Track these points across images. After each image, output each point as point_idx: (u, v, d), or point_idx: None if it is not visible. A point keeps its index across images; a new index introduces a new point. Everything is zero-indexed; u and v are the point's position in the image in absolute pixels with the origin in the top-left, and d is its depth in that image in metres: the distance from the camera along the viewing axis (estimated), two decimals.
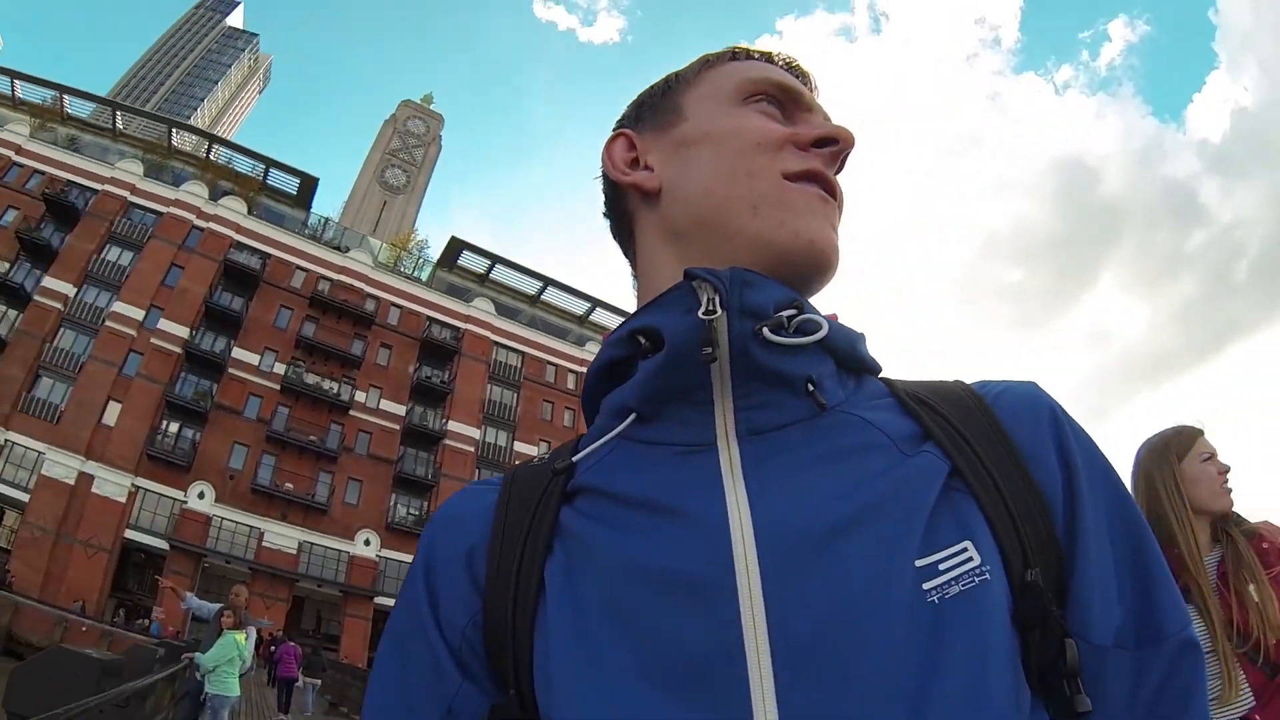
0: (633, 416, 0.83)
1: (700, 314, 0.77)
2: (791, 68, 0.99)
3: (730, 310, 0.77)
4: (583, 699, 0.70)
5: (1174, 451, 3.04)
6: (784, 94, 0.95)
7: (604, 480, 0.83)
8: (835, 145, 0.92)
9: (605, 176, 1.01)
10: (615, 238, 1.05)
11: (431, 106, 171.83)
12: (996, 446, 0.78)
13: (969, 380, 0.90)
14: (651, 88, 1.05)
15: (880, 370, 0.91)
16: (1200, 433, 3.10)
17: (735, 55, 1.00)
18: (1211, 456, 3.02)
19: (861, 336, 0.89)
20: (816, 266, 0.86)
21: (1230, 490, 2.98)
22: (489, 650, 0.81)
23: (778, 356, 0.79)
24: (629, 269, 1.03)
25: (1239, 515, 2.99)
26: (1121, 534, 0.77)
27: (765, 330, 0.77)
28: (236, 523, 44.81)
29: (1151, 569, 0.76)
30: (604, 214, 1.05)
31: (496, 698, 0.80)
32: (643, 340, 0.83)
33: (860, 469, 0.76)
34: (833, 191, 0.91)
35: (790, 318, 0.79)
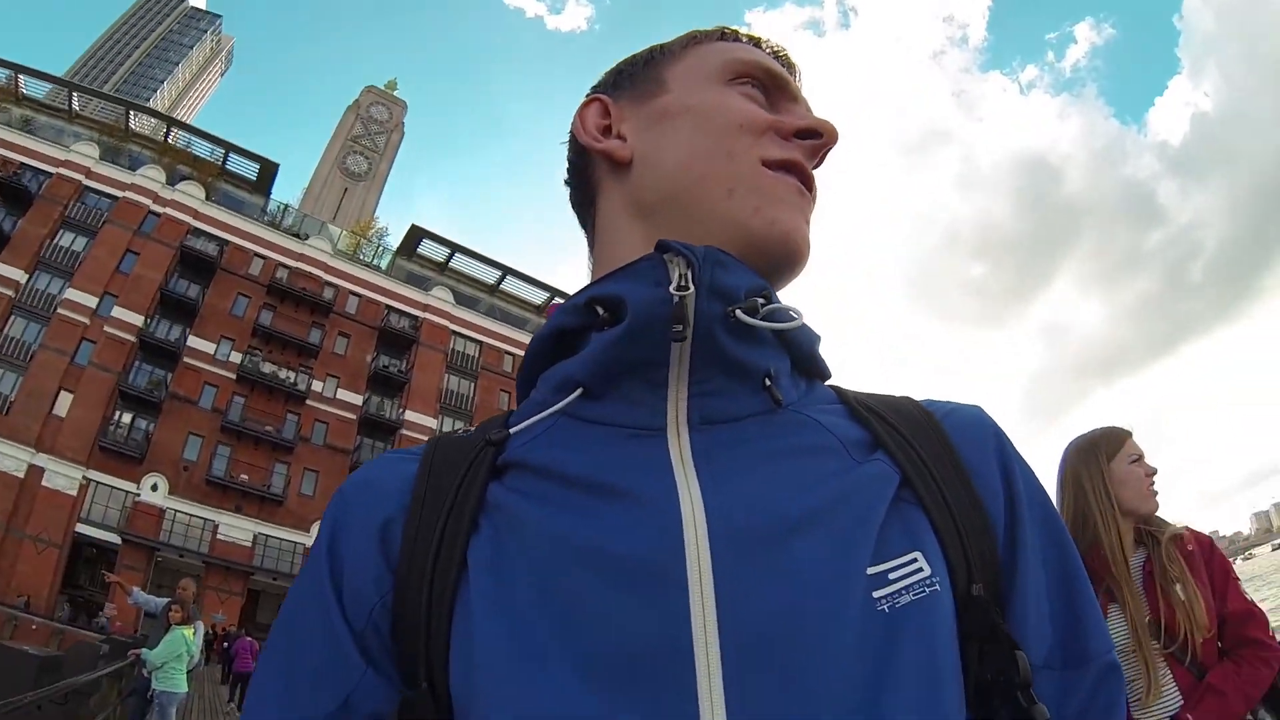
0: (579, 391, 0.80)
1: (672, 289, 0.74)
2: (779, 56, 0.98)
3: (700, 289, 0.75)
4: (511, 691, 0.65)
5: (1103, 452, 3.14)
6: (771, 80, 0.94)
7: (541, 456, 0.78)
8: (818, 139, 0.91)
9: (573, 141, 0.99)
10: (574, 206, 1.02)
11: (395, 93, 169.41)
12: (945, 462, 0.79)
13: (917, 397, 0.90)
14: (634, 56, 1.02)
15: (830, 376, 0.91)
16: (1129, 434, 3.20)
17: (724, 35, 0.99)
18: (1139, 459, 3.12)
19: (819, 339, 0.88)
20: (788, 258, 0.85)
21: (1156, 493, 3.09)
22: (398, 636, 0.74)
23: (741, 345, 0.77)
24: (585, 239, 1.01)
25: (1162, 519, 3.08)
26: (1054, 558, 0.79)
27: (738, 311, 0.75)
28: (190, 515, 44.04)
29: (1080, 593, 0.78)
30: (565, 180, 1.03)
31: (403, 690, 0.73)
32: (601, 310, 0.79)
33: (814, 470, 0.75)
34: (810, 185, 0.90)
35: (760, 305, 0.78)
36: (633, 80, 0.97)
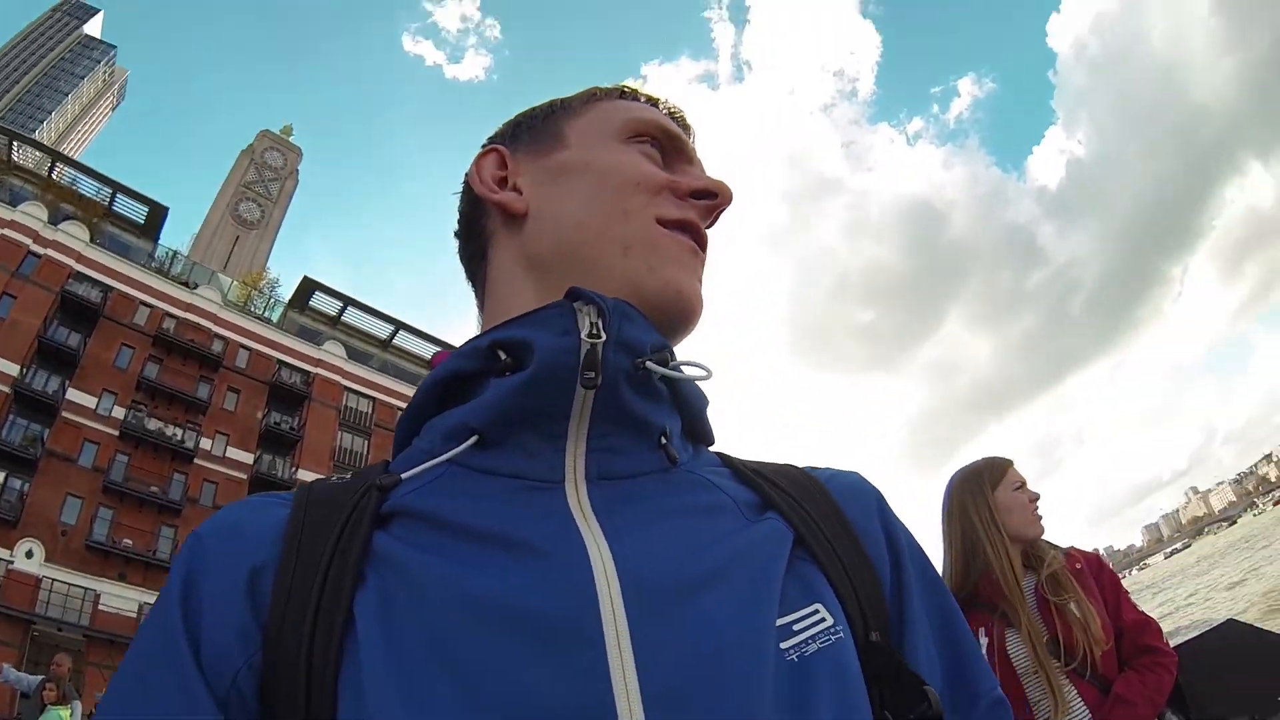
0: (473, 439, 0.78)
1: (584, 336, 0.75)
2: (676, 116, 1.02)
3: (609, 339, 0.76)
4: None
5: (986, 481, 3.33)
6: (668, 140, 0.98)
7: (433, 505, 0.75)
8: (713, 199, 0.94)
9: (467, 191, 1.00)
10: (463, 258, 1.03)
11: (291, 139, 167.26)
12: (833, 522, 0.82)
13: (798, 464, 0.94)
14: (534, 109, 1.05)
15: (714, 441, 0.94)
16: (1010, 463, 3.41)
17: (624, 93, 1.02)
18: (1022, 485, 3.32)
19: (709, 402, 0.91)
20: (681, 316, 0.87)
21: (1041, 517, 3.28)
22: (269, 701, 0.65)
23: (642, 401, 0.79)
24: (474, 293, 1.02)
25: (1048, 542, 3.28)
26: (935, 608, 0.84)
27: (648, 362, 0.77)
28: (69, 584, 40.82)
29: (963, 637, 0.84)
30: (455, 231, 1.04)
31: None
32: (503, 355, 0.79)
33: (712, 528, 0.76)
34: (703, 245, 0.94)
35: (667, 360, 0.80)
36: (532, 133, 0.99)
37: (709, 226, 0.95)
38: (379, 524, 0.73)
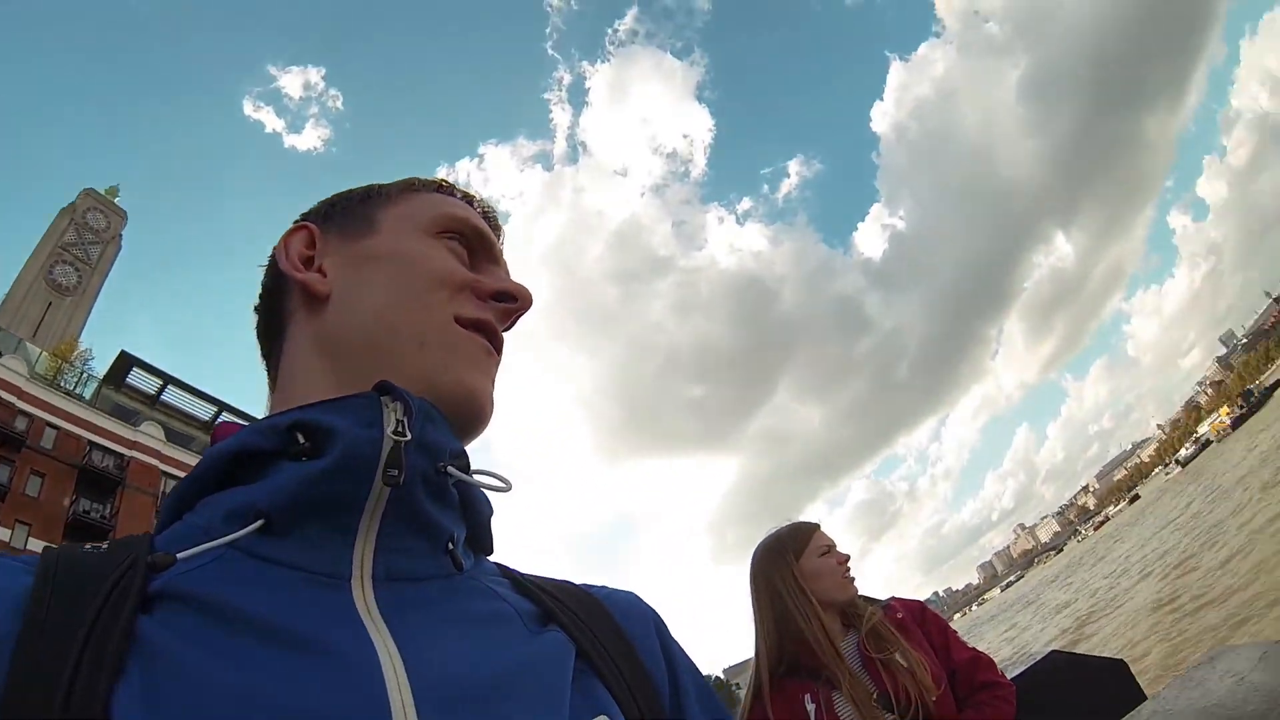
0: (260, 523, 0.72)
1: (390, 432, 0.74)
2: (488, 216, 1.05)
3: (411, 440, 0.75)
4: None
5: (790, 550, 3.16)
6: (477, 239, 0.99)
7: (210, 593, 0.66)
8: (513, 303, 0.96)
9: (272, 265, 0.98)
10: (260, 334, 0.99)
11: (117, 200, 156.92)
12: (613, 637, 0.86)
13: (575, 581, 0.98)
14: (350, 192, 1.04)
15: (493, 552, 0.94)
16: (816, 527, 3.26)
17: (441, 187, 1.03)
18: (830, 549, 3.17)
19: (493, 512, 0.91)
20: (471, 416, 0.88)
21: (853, 579, 3.15)
22: None
23: (435, 505, 0.78)
24: (266, 372, 0.98)
25: (867, 597, 3.16)
26: (709, 711, 0.91)
27: (450, 467, 0.78)
28: None
29: None
30: (255, 307, 1.00)
31: None
32: (302, 438, 0.75)
33: (498, 637, 0.77)
34: (498, 347, 0.94)
35: (466, 468, 0.82)
36: (345, 215, 0.98)
37: (506, 329, 0.96)
38: (144, 607, 0.63)
